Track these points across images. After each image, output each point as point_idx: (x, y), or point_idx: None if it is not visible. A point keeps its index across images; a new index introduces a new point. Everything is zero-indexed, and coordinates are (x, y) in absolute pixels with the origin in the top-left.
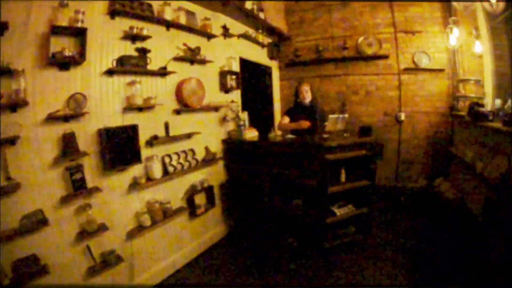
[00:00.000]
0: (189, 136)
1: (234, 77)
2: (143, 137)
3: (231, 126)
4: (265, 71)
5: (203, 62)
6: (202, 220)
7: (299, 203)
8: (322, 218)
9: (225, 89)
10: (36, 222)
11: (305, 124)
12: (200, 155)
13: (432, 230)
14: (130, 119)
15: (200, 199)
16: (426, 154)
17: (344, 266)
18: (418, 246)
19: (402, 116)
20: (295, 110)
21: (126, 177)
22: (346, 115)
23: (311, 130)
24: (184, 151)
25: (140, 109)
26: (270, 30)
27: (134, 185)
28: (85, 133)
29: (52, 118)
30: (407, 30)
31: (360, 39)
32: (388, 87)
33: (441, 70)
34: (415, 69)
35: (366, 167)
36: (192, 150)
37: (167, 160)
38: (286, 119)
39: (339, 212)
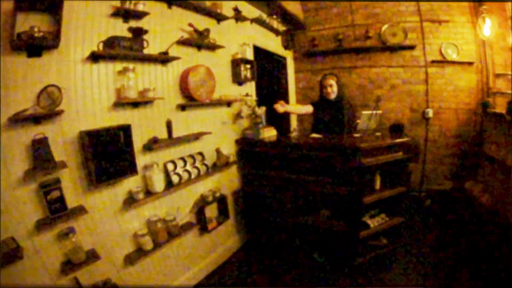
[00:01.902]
0: (197, 137)
1: (248, 66)
2: (139, 140)
3: (245, 123)
4: (280, 62)
5: (212, 47)
6: (213, 235)
7: (327, 214)
8: (354, 231)
9: (238, 80)
10: (8, 253)
11: (277, 107)
12: (211, 159)
13: (465, 239)
14: (122, 117)
15: (211, 211)
16: (453, 154)
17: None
18: (453, 259)
19: (430, 113)
20: (320, 105)
21: (119, 192)
22: (380, 112)
23: (337, 129)
24: (191, 156)
25: (135, 104)
26: (285, 17)
27: (130, 202)
28: (63, 138)
29: (18, 120)
30: (433, 19)
31: (384, 27)
32: (415, 81)
33: (470, 64)
34: (443, 61)
35: (402, 171)
36: (201, 154)
37: (170, 167)
38: (309, 107)
39: (373, 223)
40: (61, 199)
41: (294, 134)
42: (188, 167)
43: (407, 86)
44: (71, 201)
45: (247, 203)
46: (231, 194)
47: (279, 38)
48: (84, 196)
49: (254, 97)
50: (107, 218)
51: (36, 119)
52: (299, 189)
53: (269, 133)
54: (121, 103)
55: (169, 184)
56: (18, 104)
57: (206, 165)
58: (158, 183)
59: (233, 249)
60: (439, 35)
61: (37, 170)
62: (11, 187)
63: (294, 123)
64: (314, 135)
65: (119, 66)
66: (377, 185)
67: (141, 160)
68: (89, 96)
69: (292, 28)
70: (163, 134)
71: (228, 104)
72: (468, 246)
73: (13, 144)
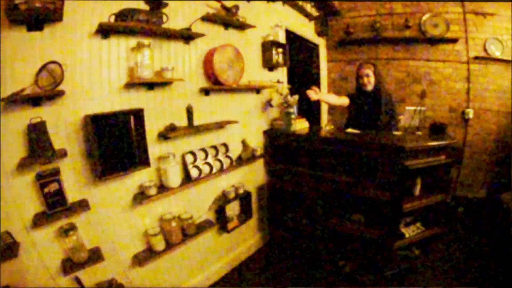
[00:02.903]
0: (221, 125)
1: (280, 50)
2: (153, 127)
3: (274, 113)
4: (312, 50)
5: (241, 26)
6: (233, 235)
7: (360, 220)
8: (389, 240)
9: (269, 65)
10: (5, 248)
11: (310, 94)
12: (235, 151)
13: (497, 254)
14: (134, 101)
15: (232, 208)
16: (491, 160)
17: None
18: (483, 276)
19: (470, 114)
20: (356, 97)
21: (128, 186)
22: (424, 108)
23: (374, 124)
24: (214, 147)
25: (150, 86)
26: (319, 1)
27: (141, 198)
28: (65, 123)
29: (14, 102)
30: (477, 11)
31: (425, 17)
32: (455, 78)
33: None
34: (487, 58)
35: (444, 177)
36: (225, 145)
37: (189, 159)
38: (345, 98)
39: (408, 232)
40: (60, 192)
41: (327, 128)
42: (210, 159)
43: (447, 82)
44: (73, 195)
45: (272, 200)
46: (255, 190)
47: (312, 24)
48: (88, 190)
49: (285, 84)
50: (114, 214)
51: (35, 101)
52: (330, 189)
53: (301, 125)
54: (134, 83)
55: (187, 179)
56: (16, 83)
57: (230, 157)
58: (174, 177)
59: (252, 249)
60: (483, 29)
61: (32, 158)
62: (7, 176)
63: (324, 115)
64: (350, 130)
65: (133, 41)
66: (417, 190)
67: (155, 150)
68: (97, 76)
69: (326, 14)
70: (182, 121)
71: (257, 90)
72: (500, 262)
73: (9, 129)
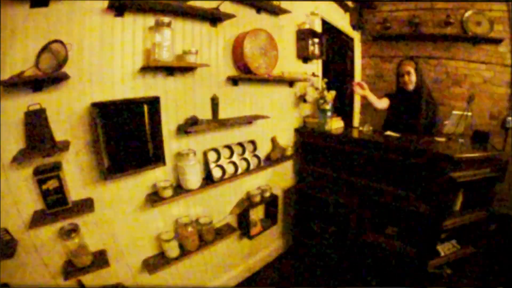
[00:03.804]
0: (249, 120)
1: (316, 40)
2: (172, 119)
3: (307, 110)
4: (346, 43)
5: (275, 11)
6: (254, 241)
7: (394, 233)
8: (423, 258)
9: (304, 56)
10: (1, 246)
11: (356, 88)
12: (263, 150)
13: None
14: (151, 88)
15: (256, 213)
16: None
17: None
18: None
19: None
20: (396, 97)
21: (139, 184)
22: (470, 114)
23: (414, 128)
24: (240, 144)
25: (169, 71)
26: None
27: (154, 199)
28: (68, 110)
29: (12, 86)
30: None
31: (467, 14)
32: (497, 82)
33: None
34: None
35: (487, 192)
36: (252, 143)
37: (212, 157)
38: (386, 101)
39: (443, 251)
40: (61, 190)
41: (365, 129)
42: (235, 158)
43: (488, 86)
44: (77, 192)
45: (300, 205)
46: (281, 194)
47: (347, 15)
48: (94, 187)
49: (321, 78)
50: (123, 215)
51: (36, 85)
52: (364, 197)
53: (337, 124)
54: (150, 67)
55: (208, 179)
56: (16, 65)
57: (257, 157)
58: (194, 178)
59: (272, 255)
60: None
61: (29, 151)
62: (4, 170)
63: (356, 115)
64: (389, 132)
65: (151, 20)
66: (458, 205)
67: (172, 146)
68: (107, 59)
69: (362, 6)
70: (205, 114)
71: (291, 83)
72: None
73: (7, 116)
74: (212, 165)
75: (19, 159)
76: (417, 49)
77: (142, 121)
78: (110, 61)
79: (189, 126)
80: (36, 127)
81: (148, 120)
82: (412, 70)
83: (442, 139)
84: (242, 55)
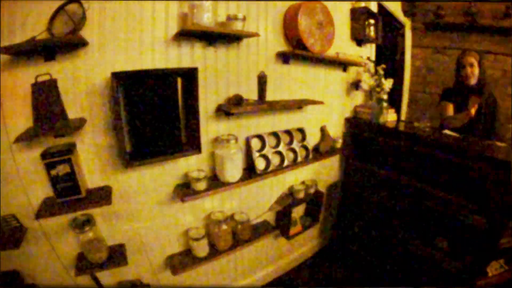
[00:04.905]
0: (300, 105)
1: (372, 22)
2: (211, 97)
3: (359, 98)
4: (398, 30)
5: None
6: (291, 241)
7: (443, 245)
8: (471, 276)
9: (358, 37)
10: (8, 233)
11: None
12: (311, 140)
13: None
14: (185, 59)
15: (296, 210)
16: None
17: None
18: None
19: None
20: (456, 93)
21: (168, 173)
22: None
23: (472, 128)
24: (288, 132)
25: (210, 39)
26: None
27: (184, 192)
28: (86, 83)
29: (24, 53)
30: None
31: None
32: None
33: None
34: None
35: None
36: (301, 131)
37: (256, 145)
38: (450, 109)
39: (491, 271)
40: (72, 176)
41: (422, 125)
42: (281, 148)
43: None
44: (93, 179)
45: (343, 204)
46: (325, 190)
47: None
48: (113, 174)
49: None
50: (147, 207)
51: (48, 53)
52: (415, 202)
53: (391, 117)
54: (187, 32)
55: (250, 171)
56: (26, 31)
57: (306, 148)
58: (234, 169)
59: (306, 255)
60: None
61: (36, 129)
62: (12, 150)
63: (404, 107)
64: (447, 131)
65: None
66: None
67: (210, 129)
68: (135, 22)
69: None
70: (249, 94)
71: (344, 67)
72: None
73: (14, 90)
74: (255, 155)
75: (24, 139)
76: (471, 42)
77: (174, 97)
78: (138, 24)
79: (232, 107)
80: (45, 102)
81: (182, 97)
82: (475, 63)
83: (502, 144)
84: (296, 28)
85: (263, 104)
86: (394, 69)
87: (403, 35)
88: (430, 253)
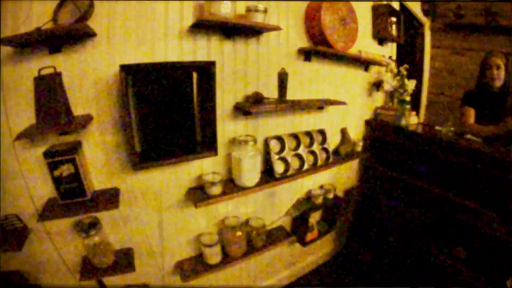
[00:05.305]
0: (321, 105)
1: (394, 19)
2: (228, 95)
3: (380, 100)
4: (417, 29)
5: None
6: (307, 247)
7: (461, 255)
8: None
9: (380, 35)
10: (10, 233)
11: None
12: (331, 143)
13: None
14: (201, 52)
15: (313, 215)
16: None
17: None
18: None
19: None
20: (478, 97)
21: (180, 176)
22: None
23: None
24: (308, 133)
25: (228, 32)
26: None
27: (198, 197)
28: (93, 77)
29: (28, 44)
30: None
31: None
32: None
33: None
34: None
35: None
36: (322, 133)
37: (275, 147)
38: (472, 114)
39: (510, 285)
40: (76, 177)
41: (445, 129)
42: (301, 150)
43: None
44: (100, 180)
45: (361, 210)
46: (343, 195)
47: None
48: (122, 176)
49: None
50: (157, 211)
51: (53, 45)
52: (434, 210)
53: (413, 120)
54: (204, 23)
55: (268, 175)
56: (32, 21)
57: (326, 150)
58: (251, 172)
59: (319, 262)
60: None
61: (39, 126)
62: (15, 147)
63: (422, 110)
64: (470, 136)
65: None
66: None
67: (226, 128)
68: (147, 11)
69: None
70: (269, 92)
71: (366, 66)
72: None
73: (18, 84)
74: (274, 157)
75: (26, 136)
76: (492, 43)
77: (189, 93)
78: (151, 14)
79: (251, 106)
80: (48, 97)
81: (197, 93)
82: (502, 65)
83: None
84: (319, 24)
85: (285, 103)
86: (413, 70)
87: (422, 35)
88: (448, 262)
